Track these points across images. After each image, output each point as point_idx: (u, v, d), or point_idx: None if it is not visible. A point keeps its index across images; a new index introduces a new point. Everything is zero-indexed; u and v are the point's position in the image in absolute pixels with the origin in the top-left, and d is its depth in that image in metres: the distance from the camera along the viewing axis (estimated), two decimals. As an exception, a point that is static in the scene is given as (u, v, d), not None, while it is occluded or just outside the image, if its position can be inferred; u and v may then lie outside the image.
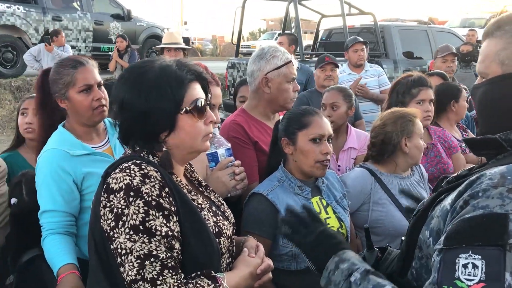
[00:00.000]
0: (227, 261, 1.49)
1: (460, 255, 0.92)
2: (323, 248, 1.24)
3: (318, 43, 9.42)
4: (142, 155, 1.39)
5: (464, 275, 0.91)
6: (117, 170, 1.32)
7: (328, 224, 2.03)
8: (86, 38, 11.51)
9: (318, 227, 1.28)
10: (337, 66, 4.61)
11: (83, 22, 11.41)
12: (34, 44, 9.86)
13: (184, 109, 1.39)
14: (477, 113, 1.19)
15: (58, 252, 1.88)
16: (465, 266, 0.91)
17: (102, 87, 2.13)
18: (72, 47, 11.24)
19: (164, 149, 1.40)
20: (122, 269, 1.27)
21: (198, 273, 1.34)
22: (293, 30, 10.27)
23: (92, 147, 2.08)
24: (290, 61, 2.35)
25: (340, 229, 2.06)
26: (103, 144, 2.15)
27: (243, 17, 8.64)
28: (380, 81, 5.17)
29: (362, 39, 5.30)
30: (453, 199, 1.03)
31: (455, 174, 1.21)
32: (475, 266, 0.90)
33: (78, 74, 2.05)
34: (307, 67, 5.65)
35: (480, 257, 0.90)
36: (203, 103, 1.42)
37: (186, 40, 23.81)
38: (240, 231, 1.92)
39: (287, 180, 2.07)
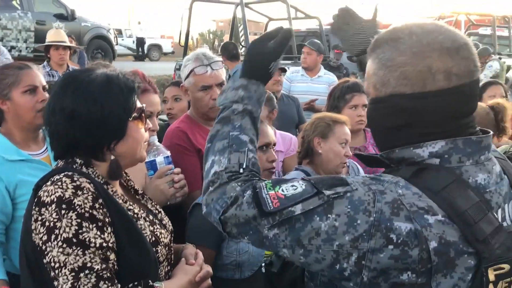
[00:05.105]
0: (166, 269, 1.49)
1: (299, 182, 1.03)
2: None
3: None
4: (74, 166, 1.38)
5: (284, 189, 1.01)
6: (49, 183, 1.30)
7: None
8: (27, 39, 11.07)
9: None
10: (285, 71, 4.54)
11: (23, 21, 10.97)
12: (-30, 44, 9.38)
13: (133, 115, 1.42)
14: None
15: None
16: (293, 185, 1.01)
17: (46, 92, 2.09)
18: (12, 47, 10.79)
19: (112, 157, 1.41)
20: (55, 283, 1.24)
21: (136, 283, 1.33)
22: (241, 33, 10.33)
23: (29, 154, 2.01)
24: (192, 70, 2.31)
25: None
26: (41, 152, 2.09)
27: (190, 19, 8.61)
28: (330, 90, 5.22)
29: (311, 45, 5.36)
30: None
31: None
32: (294, 187, 1.01)
33: (23, 75, 2.04)
34: None
35: (304, 184, 1.00)
36: (145, 110, 1.49)
37: (141, 40, 23.35)
38: (180, 238, 1.92)
39: None
